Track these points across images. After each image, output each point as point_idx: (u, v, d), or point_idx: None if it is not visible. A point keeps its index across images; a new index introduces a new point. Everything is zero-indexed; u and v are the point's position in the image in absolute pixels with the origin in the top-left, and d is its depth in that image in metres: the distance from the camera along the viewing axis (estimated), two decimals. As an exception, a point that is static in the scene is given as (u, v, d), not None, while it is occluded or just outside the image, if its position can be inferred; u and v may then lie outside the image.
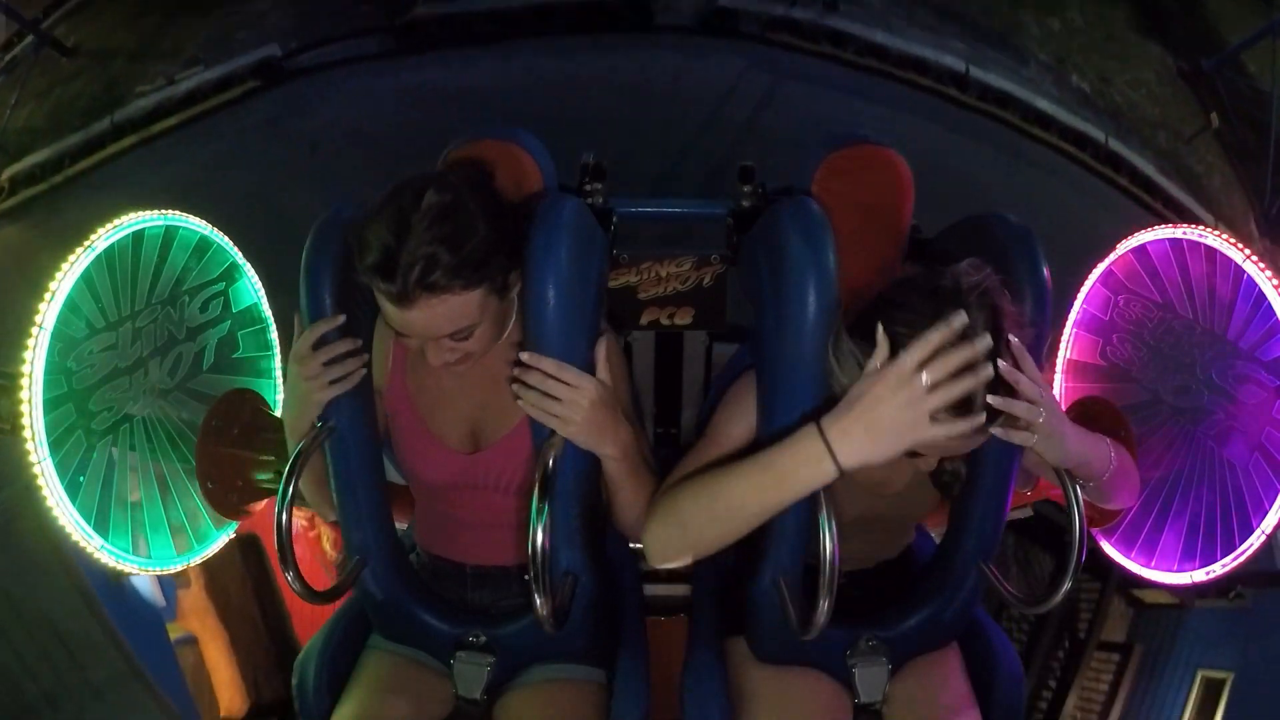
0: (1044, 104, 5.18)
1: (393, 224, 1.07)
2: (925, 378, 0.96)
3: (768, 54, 5.09)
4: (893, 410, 0.98)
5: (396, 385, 1.34)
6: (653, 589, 1.90)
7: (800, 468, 1.04)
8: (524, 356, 1.18)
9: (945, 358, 0.96)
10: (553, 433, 1.20)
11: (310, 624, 3.07)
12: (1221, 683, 2.23)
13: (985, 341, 0.98)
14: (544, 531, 1.11)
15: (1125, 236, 1.69)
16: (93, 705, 1.84)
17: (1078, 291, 1.81)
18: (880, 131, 1.36)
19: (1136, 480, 1.35)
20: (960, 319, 0.96)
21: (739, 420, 1.25)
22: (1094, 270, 1.78)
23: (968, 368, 0.96)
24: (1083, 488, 1.21)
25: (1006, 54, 5.35)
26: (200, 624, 2.63)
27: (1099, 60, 5.70)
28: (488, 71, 5.03)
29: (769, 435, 1.22)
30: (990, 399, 1.00)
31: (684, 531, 1.15)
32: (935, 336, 0.96)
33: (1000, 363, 1.01)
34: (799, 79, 5.03)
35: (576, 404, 1.17)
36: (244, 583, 2.77)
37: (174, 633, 2.57)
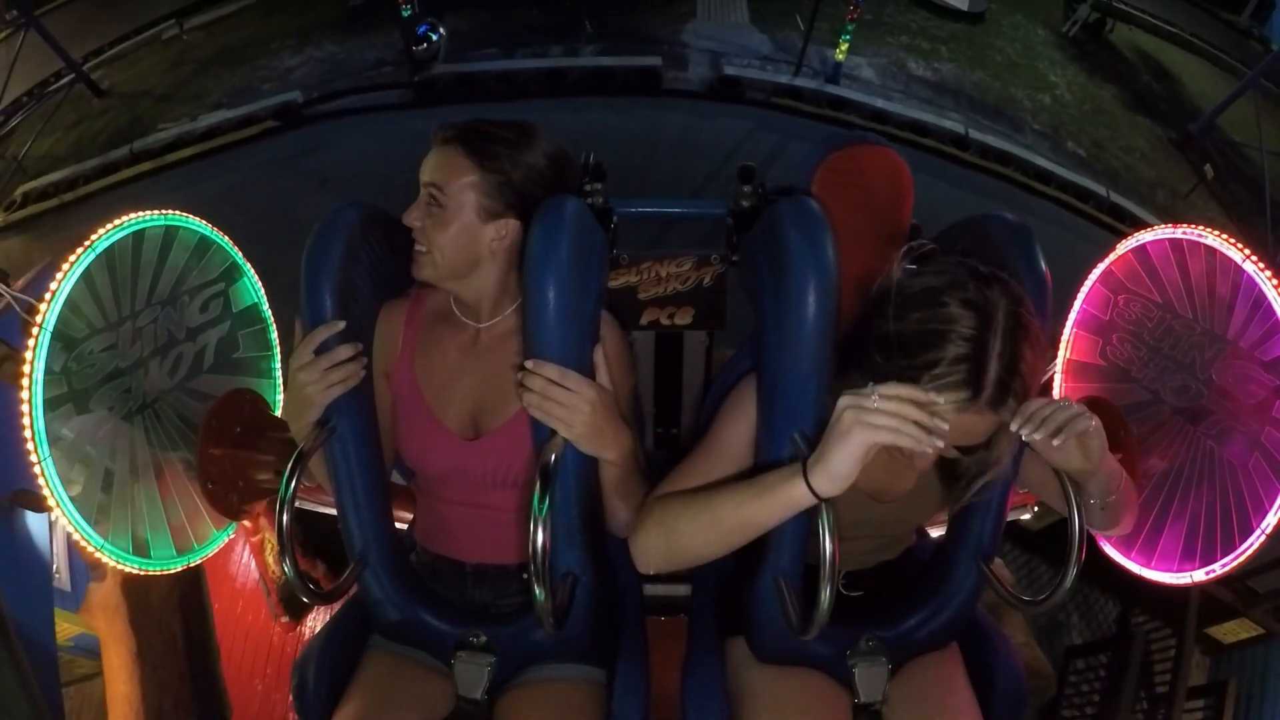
0: (1043, 162, 5.33)
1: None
2: (875, 396, 1.02)
3: (772, 117, 5.22)
4: (843, 414, 1.04)
5: (404, 367, 1.36)
6: (653, 589, 1.90)
7: (777, 483, 1.11)
8: (528, 364, 1.19)
9: (899, 388, 1.01)
10: (553, 431, 1.20)
11: (239, 663, 2.57)
12: (1329, 717, 2.02)
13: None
14: (544, 531, 1.11)
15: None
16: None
17: (1078, 292, 1.82)
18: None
19: (1135, 511, 1.35)
20: (934, 398, 1.01)
21: (738, 424, 1.26)
22: (1094, 270, 1.78)
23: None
24: (1087, 510, 1.22)
25: (1002, 123, 5.55)
26: (107, 624, 2.16)
27: (1092, 130, 5.94)
28: (500, 123, 5.21)
29: (768, 436, 1.22)
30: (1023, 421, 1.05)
31: (668, 540, 1.20)
32: (905, 389, 1.01)
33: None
34: (804, 139, 5.15)
35: (578, 409, 1.17)
36: (170, 591, 2.30)
37: (71, 627, 2.16)
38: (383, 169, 4.97)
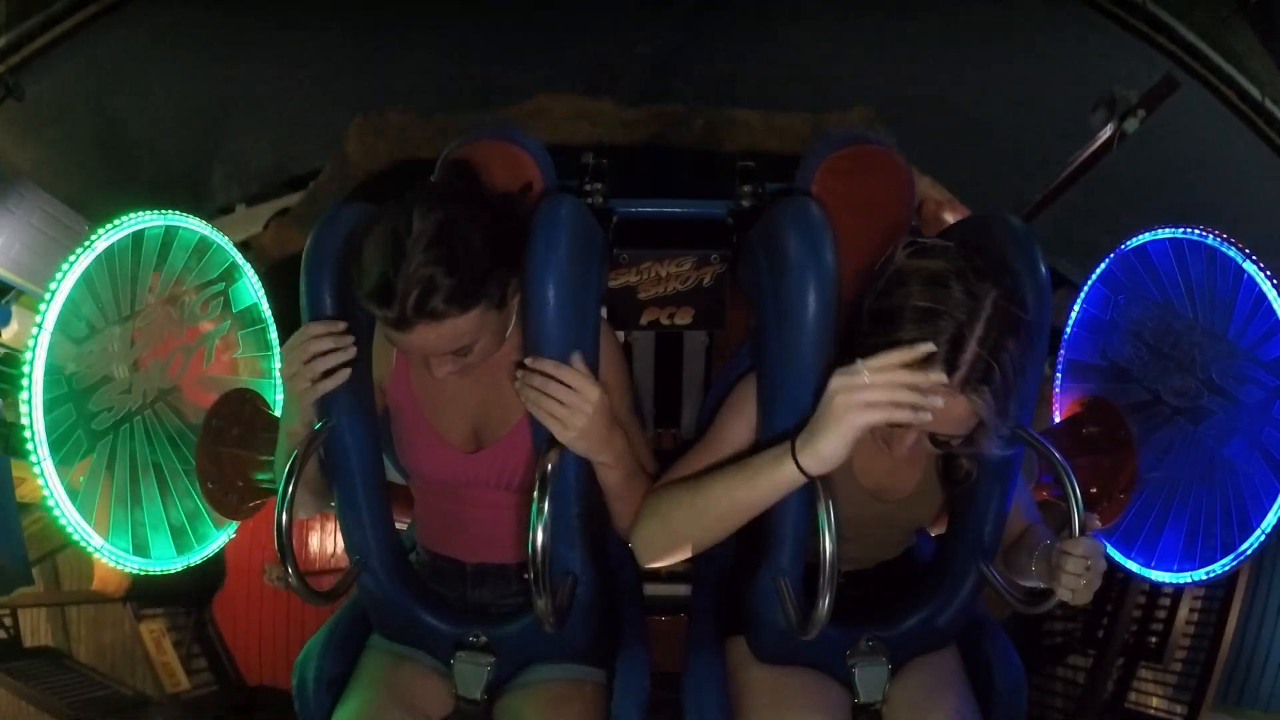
0: (1074, -43, 5.08)
1: (387, 248, 1.08)
2: (865, 373, 1.01)
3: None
4: (835, 398, 1.03)
5: (400, 381, 1.35)
6: (653, 589, 1.90)
7: (765, 464, 1.11)
8: (527, 362, 1.18)
9: (888, 357, 1.01)
10: (550, 441, 1.20)
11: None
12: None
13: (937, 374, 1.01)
14: (544, 531, 1.11)
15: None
16: None
17: (1078, 292, 1.82)
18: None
19: None
20: (926, 347, 1.01)
21: (739, 422, 1.26)
22: (1094, 270, 1.78)
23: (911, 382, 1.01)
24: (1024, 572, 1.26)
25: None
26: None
27: (1125, -66, 5.65)
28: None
29: (769, 435, 1.22)
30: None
31: (666, 528, 1.21)
32: (894, 356, 1.01)
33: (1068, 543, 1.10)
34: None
35: (579, 409, 1.17)
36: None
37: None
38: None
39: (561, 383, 1.17)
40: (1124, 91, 2.15)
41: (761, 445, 1.25)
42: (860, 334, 1.11)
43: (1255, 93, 4.64)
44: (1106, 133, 2.17)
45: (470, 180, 1.22)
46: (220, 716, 2.53)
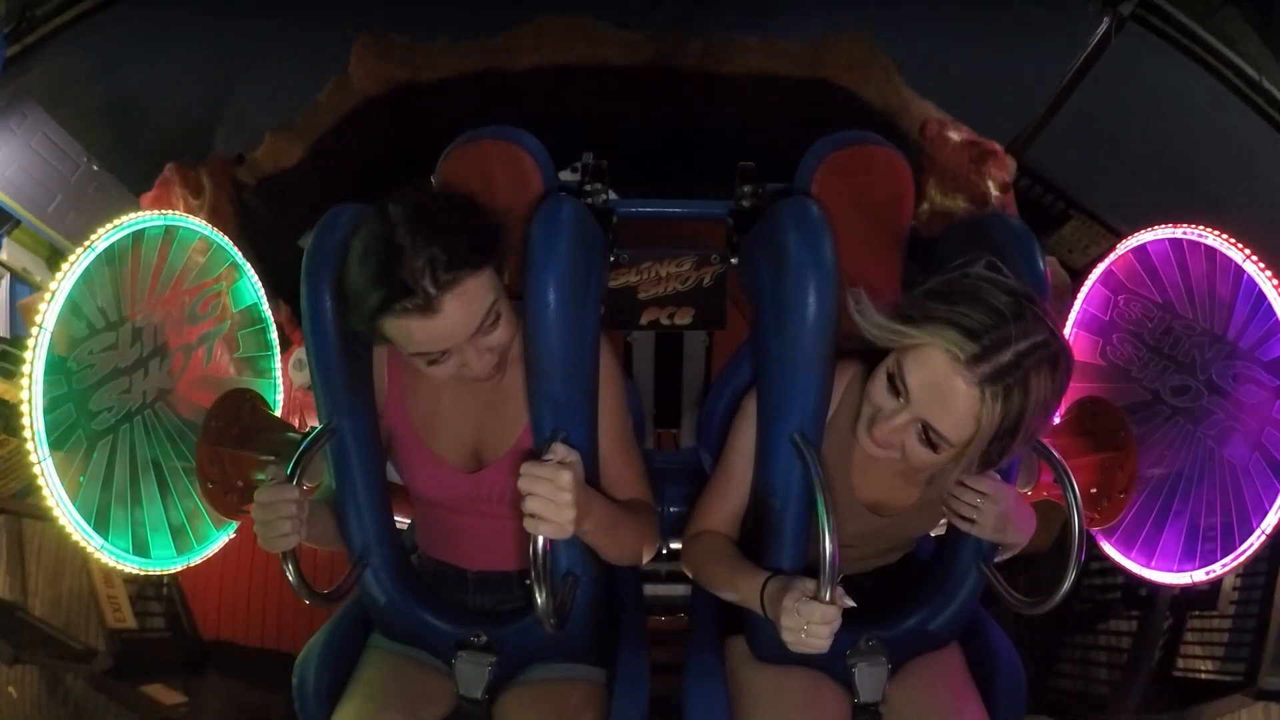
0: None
1: (382, 252, 1.08)
2: (787, 623, 1.09)
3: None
4: (781, 617, 1.10)
5: (395, 406, 1.34)
6: (653, 589, 1.90)
7: (746, 582, 1.22)
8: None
9: (810, 620, 1.07)
10: (552, 435, 1.20)
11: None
12: None
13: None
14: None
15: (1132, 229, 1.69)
16: None
17: (1078, 291, 1.81)
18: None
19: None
20: (844, 603, 1.08)
21: (746, 439, 1.30)
22: (1094, 270, 1.78)
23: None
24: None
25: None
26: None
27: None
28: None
29: (768, 436, 1.23)
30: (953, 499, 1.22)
31: (695, 575, 1.37)
32: (818, 611, 1.06)
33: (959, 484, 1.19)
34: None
35: (559, 502, 1.10)
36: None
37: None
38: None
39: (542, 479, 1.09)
40: (1112, -22, 2.15)
41: (761, 447, 1.26)
42: (908, 297, 1.09)
43: (1253, 72, 4.87)
44: (1103, 26, 2.40)
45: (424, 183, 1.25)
46: (170, 668, 2.34)
